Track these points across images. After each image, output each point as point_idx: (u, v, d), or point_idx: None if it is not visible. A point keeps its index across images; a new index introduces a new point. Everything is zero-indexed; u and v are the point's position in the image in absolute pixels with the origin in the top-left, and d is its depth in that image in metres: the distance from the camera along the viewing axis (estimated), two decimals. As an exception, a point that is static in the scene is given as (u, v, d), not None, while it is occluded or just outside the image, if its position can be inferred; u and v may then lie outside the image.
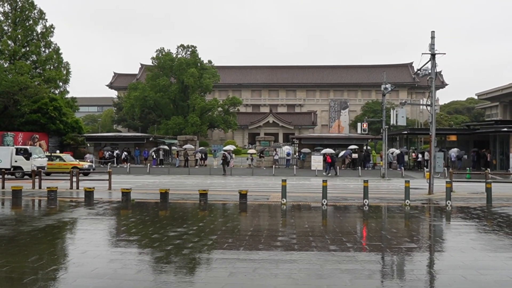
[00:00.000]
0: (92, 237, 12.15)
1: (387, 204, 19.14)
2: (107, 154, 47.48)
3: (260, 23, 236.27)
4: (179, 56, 74.19)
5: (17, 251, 10.32)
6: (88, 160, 42.67)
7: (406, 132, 48.41)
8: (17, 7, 52.84)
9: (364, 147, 48.09)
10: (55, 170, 33.47)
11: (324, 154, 39.98)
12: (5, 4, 52.70)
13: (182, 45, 75.18)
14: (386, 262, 9.86)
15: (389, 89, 34.85)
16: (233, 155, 47.48)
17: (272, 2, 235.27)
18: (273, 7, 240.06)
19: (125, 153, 47.91)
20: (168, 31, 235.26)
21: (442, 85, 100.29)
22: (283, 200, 18.83)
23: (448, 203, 18.36)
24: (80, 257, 9.85)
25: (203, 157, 48.48)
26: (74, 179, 24.52)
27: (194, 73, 69.78)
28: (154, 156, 47.24)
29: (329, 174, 37.12)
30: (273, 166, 41.67)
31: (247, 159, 46.41)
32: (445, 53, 23.44)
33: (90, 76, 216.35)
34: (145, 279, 8.23)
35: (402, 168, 39.99)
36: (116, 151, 47.97)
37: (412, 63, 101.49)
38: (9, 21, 52.69)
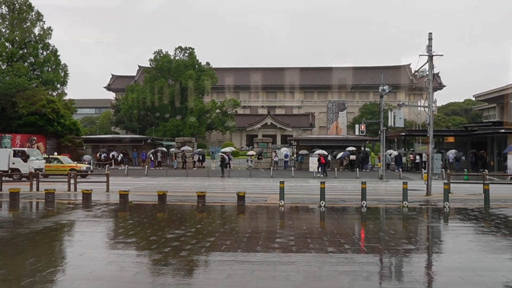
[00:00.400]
0: (89, 239, 12.13)
1: (385, 206, 19.15)
2: (102, 155, 47.53)
3: (258, 24, 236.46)
4: (177, 58, 74.16)
5: (15, 253, 10.30)
6: (86, 161, 42.66)
7: (404, 133, 48.45)
8: (15, 9, 52.79)
9: (362, 149, 48.15)
10: (53, 172, 33.43)
11: (318, 155, 40.22)
12: (3, 6, 52.66)
13: (180, 47, 75.14)
14: (384, 264, 9.87)
15: (387, 90, 34.92)
16: (231, 157, 47.49)
17: (270, 3, 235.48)
18: (270, 9, 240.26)
19: (121, 154, 47.90)
20: (166, 32, 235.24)
21: (440, 86, 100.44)
22: (281, 202, 18.83)
23: (446, 204, 18.38)
24: (77, 259, 9.83)
25: (201, 159, 48.48)
26: (72, 181, 24.50)
27: (192, 75, 69.78)
28: (152, 158, 47.23)
29: (324, 175, 37.43)
30: (271, 167, 41.68)
31: (247, 160, 46.37)
32: (442, 55, 23.49)
33: (88, 78, 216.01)
34: (143, 282, 8.21)
35: (400, 169, 40.05)
36: (112, 153, 47.98)
37: (410, 64, 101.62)
38: (7, 23, 52.64)
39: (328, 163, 43.95)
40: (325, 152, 41.05)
